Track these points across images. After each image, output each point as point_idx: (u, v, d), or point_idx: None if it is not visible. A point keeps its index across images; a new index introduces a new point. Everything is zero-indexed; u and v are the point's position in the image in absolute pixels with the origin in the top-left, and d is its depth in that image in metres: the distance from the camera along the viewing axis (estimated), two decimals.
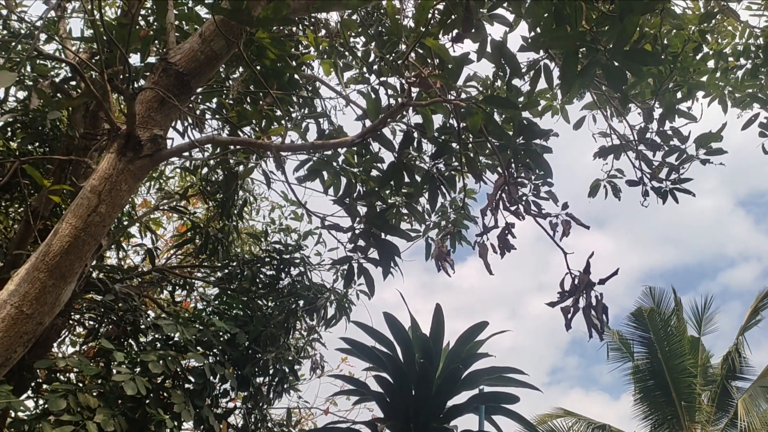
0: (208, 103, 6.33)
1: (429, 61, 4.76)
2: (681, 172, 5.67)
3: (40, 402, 6.30)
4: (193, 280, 8.85)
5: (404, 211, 6.17)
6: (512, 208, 4.61)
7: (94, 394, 5.36)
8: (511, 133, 4.67)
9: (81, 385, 5.65)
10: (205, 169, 7.55)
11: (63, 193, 5.66)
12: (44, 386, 6.40)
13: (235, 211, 7.93)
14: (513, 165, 4.73)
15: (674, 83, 5.79)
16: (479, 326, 5.77)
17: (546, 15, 4.01)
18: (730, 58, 6.09)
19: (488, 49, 4.40)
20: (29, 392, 6.60)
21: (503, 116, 5.17)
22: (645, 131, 5.90)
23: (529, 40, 4.38)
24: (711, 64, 6.07)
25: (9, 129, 6.87)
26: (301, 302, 7.64)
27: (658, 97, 5.67)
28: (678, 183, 5.68)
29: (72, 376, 6.82)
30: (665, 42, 5.60)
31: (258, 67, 4.90)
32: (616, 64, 3.53)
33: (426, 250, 6.69)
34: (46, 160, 6.77)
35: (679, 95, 5.87)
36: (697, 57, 5.79)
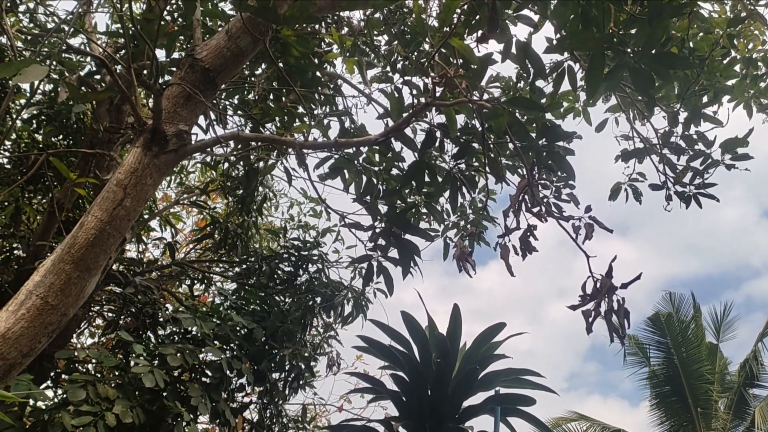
0: (231, 100, 6.36)
1: (452, 60, 4.75)
2: (705, 177, 5.60)
3: (59, 392, 6.38)
4: (212, 275, 8.91)
5: (423, 210, 6.16)
6: (535, 210, 4.59)
7: (113, 385, 5.41)
8: (534, 134, 4.65)
9: (100, 376, 5.71)
10: (226, 165, 7.59)
11: (87, 186, 5.72)
12: (63, 376, 6.47)
13: (255, 207, 7.97)
14: (535, 167, 4.70)
15: (700, 87, 5.72)
16: (496, 327, 5.75)
17: (572, 16, 3.98)
18: (760, 63, 6.01)
19: (513, 50, 4.38)
20: (48, 382, 6.67)
21: (525, 118, 5.15)
22: (669, 135, 5.84)
23: (555, 42, 4.35)
24: (738, 68, 5.99)
25: (34, 121, 6.95)
26: (319, 299, 7.66)
27: (683, 101, 5.61)
28: (702, 188, 5.61)
29: (90, 367, 6.89)
30: (691, 45, 5.54)
31: (282, 65, 4.92)
32: (644, 67, 3.50)
33: (444, 251, 6.69)
34: (70, 153, 6.85)
35: (705, 99, 5.80)
36: (725, 61, 5.72)
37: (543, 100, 5.27)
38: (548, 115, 5.29)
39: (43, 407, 5.39)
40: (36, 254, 6.11)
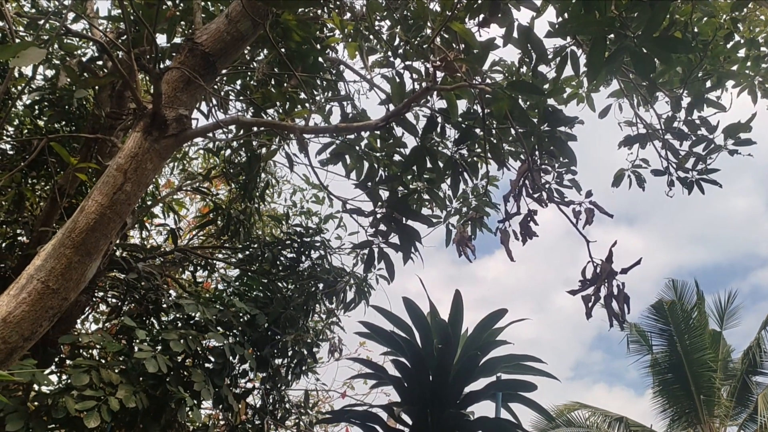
0: (232, 85, 6.35)
1: (454, 45, 4.72)
2: (708, 163, 5.58)
3: (63, 377, 6.41)
4: (215, 261, 8.93)
5: (425, 196, 6.15)
6: (535, 195, 4.58)
7: (117, 370, 5.44)
8: (535, 120, 4.63)
9: (103, 361, 5.73)
10: (228, 151, 7.58)
11: (89, 172, 5.72)
12: (67, 362, 6.52)
13: (257, 194, 7.98)
14: (537, 152, 4.69)
15: (704, 72, 5.69)
16: (498, 314, 5.73)
17: (574, 0, 3.95)
18: (763, 48, 5.96)
19: (515, 34, 4.35)
20: (52, 367, 6.71)
21: (527, 103, 5.12)
22: (672, 120, 5.81)
23: (557, 26, 4.32)
24: (742, 53, 5.95)
25: (36, 107, 6.95)
26: (321, 285, 7.67)
27: (686, 86, 5.57)
28: (705, 173, 5.59)
29: (94, 352, 6.93)
30: (695, 30, 5.50)
31: (283, 50, 4.90)
32: (645, 51, 3.47)
33: (446, 237, 6.68)
34: (72, 139, 6.85)
35: (708, 84, 5.77)
36: (728, 45, 5.68)
37: (545, 86, 5.24)
38: (550, 101, 5.27)
39: (47, 392, 5.43)
40: (39, 240, 6.13)
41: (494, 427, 5.01)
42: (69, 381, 5.11)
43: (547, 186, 4.90)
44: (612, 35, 3.60)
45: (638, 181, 6.44)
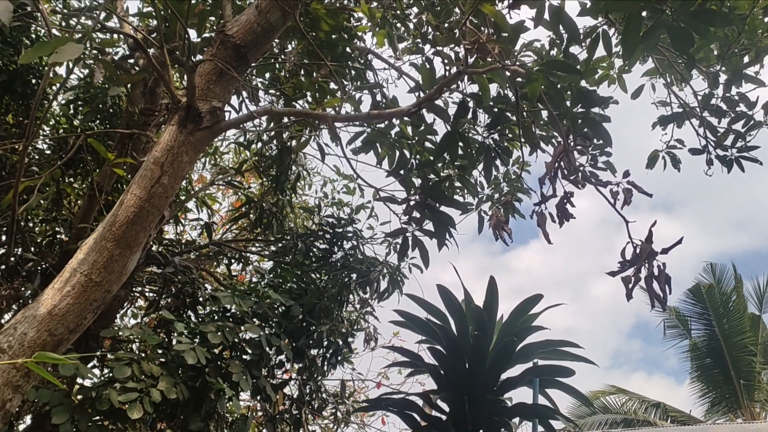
0: (262, 78, 6.37)
1: (483, 29, 4.67)
2: (748, 140, 5.45)
3: (105, 371, 6.53)
4: (248, 254, 9.00)
5: (457, 184, 6.12)
6: (571, 177, 4.52)
7: (157, 363, 5.53)
8: (569, 102, 4.56)
9: (143, 354, 5.83)
10: (259, 144, 7.62)
11: (124, 167, 5.80)
12: (108, 355, 6.63)
13: (289, 186, 8.01)
14: (571, 134, 4.62)
15: (741, 47, 5.54)
16: (534, 299, 5.68)
17: None
18: None
19: (545, 15, 4.29)
20: (95, 361, 6.83)
21: (560, 85, 5.05)
22: (710, 97, 5.68)
23: (589, 5, 4.25)
24: None
25: (71, 106, 7.07)
26: (354, 275, 7.69)
27: (723, 62, 5.44)
28: (744, 151, 5.46)
29: (134, 346, 7.05)
30: (729, 4, 5.36)
31: (312, 39, 4.90)
32: (682, 25, 3.40)
33: (479, 224, 6.64)
34: (106, 138, 6.95)
35: (746, 59, 5.62)
36: (766, 19, 5.53)
37: (577, 67, 5.16)
38: (583, 82, 5.19)
39: (90, 385, 5.53)
40: (78, 236, 6.24)
41: (532, 413, 4.98)
42: (111, 374, 5.20)
43: (581, 168, 4.84)
44: (646, 12, 3.53)
45: (673, 162, 6.31)
